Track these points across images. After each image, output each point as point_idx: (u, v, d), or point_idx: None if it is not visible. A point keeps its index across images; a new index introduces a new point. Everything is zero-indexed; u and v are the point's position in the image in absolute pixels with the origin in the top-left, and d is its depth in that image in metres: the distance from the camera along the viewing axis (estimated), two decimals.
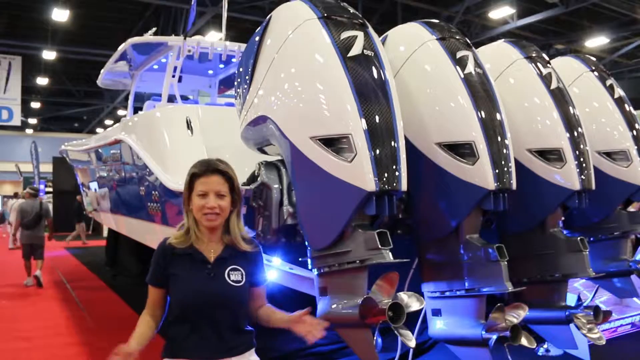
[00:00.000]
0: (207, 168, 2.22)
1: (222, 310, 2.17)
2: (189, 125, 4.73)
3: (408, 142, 2.98)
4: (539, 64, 3.69)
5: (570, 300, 3.95)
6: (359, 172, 2.66)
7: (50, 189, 23.21)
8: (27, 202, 9.85)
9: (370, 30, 3.04)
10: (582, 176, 3.44)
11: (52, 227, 10.78)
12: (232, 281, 2.20)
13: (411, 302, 2.60)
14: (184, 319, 2.17)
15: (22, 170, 25.99)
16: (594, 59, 4.45)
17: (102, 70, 7.83)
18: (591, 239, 4.01)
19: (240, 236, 2.26)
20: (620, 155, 4.00)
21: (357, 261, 2.76)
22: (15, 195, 21.33)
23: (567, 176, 3.44)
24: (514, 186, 3.10)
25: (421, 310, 3.03)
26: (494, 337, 3.01)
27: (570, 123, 3.52)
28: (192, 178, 2.23)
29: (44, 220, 9.74)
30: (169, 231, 4.88)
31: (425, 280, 3.40)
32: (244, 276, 2.23)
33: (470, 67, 3.20)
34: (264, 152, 3.61)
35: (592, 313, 3.38)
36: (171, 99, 6.04)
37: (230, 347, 2.18)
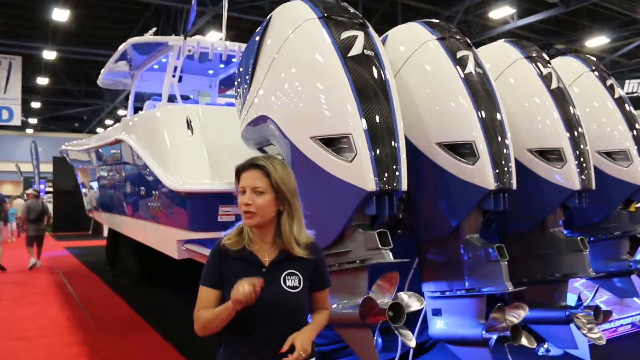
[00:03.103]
0: (248, 163, 2.11)
1: (277, 318, 2.03)
2: (189, 125, 4.72)
3: (408, 142, 2.98)
4: (539, 64, 3.69)
5: (571, 300, 3.95)
6: (359, 172, 2.66)
7: (51, 189, 23.21)
8: (32, 202, 12.11)
9: (371, 30, 3.04)
10: (582, 176, 3.44)
11: (48, 222, 12.97)
12: (288, 287, 2.06)
13: (411, 302, 2.60)
14: (236, 326, 2.03)
15: (22, 170, 25.99)
16: (594, 58, 4.46)
17: (102, 70, 7.84)
18: (591, 238, 4.01)
19: (294, 240, 2.10)
20: (620, 155, 4.00)
21: (358, 261, 2.76)
22: (20, 196, 21.70)
23: (567, 176, 3.44)
24: (514, 186, 3.10)
25: (421, 310, 3.03)
26: (494, 337, 3.01)
27: (571, 123, 3.52)
28: (236, 175, 2.12)
29: (45, 216, 12.04)
30: (169, 231, 4.90)
31: (426, 280, 3.40)
32: (301, 281, 2.09)
33: (471, 67, 3.20)
34: (264, 152, 3.61)
35: (592, 313, 3.38)
36: (171, 98, 6.04)
37: (278, 356, 1.99)
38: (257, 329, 2.02)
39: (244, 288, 1.91)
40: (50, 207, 20.95)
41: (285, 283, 2.07)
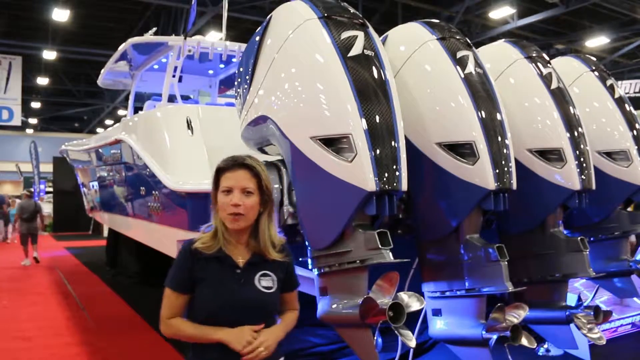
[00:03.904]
0: (234, 162, 2.07)
1: (251, 318, 2.03)
2: (189, 125, 4.73)
3: (408, 142, 2.98)
4: (539, 64, 3.69)
5: (571, 300, 3.95)
6: (359, 172, 2.66)
7: (51, 189, 23.21)
8: (25, 202, 12.68)
9: (371, 30, 3.04)
10: (583, 176, 3.44)
11: (42, 220, 14.37)
12: (263, 287, 2.07)
13: (411, 302, 2.60)
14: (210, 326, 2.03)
15: (22, 170, 26.00)
16: (594, 58, 4.45)
17: (102, 70, 7.84)
18: (591, 239, 4.01)
19: (270, 243, 2.10)
20: (620, 155, 4.00)
21: (358, 261, 2.76)
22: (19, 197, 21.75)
23: (568, 176, 3.44)
24: (514, 186, 3.10)
25: (421, 310, 3.03)
26: (494, 337, 3.01)
27: (571, 123, 3.52)
28: (218, 173, 2.08)
29: (38, 215, 12.71)
30: (169, 231, 4.90)
31: (426, 280, 3.40)
32: (275, 282, 2.11)
33: (471, 67, 3.20)
34: (264, 152, 3.61)
35: (592, 313, 3.38)
36: (171, 98, 6.05)
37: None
38: (230, 327, 2.00)
39: (246, 341, 1.94)
40: (50, 207, 21.07)
41: (260, 283, 2.07)
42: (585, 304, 3.52)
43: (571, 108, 3.60)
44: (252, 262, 2.09)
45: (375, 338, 2.80)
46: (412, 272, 3.53)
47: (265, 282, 2.09)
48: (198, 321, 2.05)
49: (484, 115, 3.08)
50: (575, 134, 3.51)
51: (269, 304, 2.11)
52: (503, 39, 4.00)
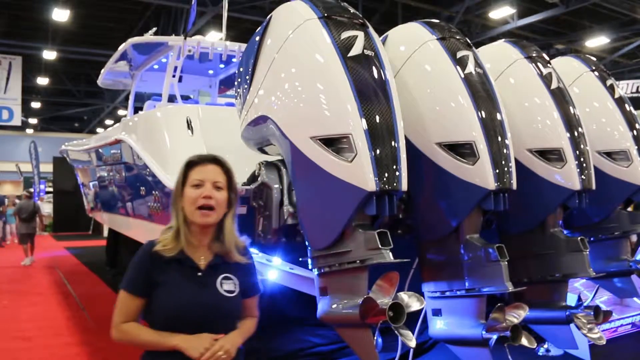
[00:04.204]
0: (205, 157, 2.05)
1: (213, 322, 1.97)
2: (189, 125, 4.72)
3: (408, 142, 2.98)
4: (539, 64, 3.69)
5: (571, 300, 3.95)
6: (359, 172, 2.66)
7: (51, 189, 23.21)
8: (24, 202, 13.04)
9: (371, 30, 3.04)
10: (583, 176, 3.44)
11: (42, 220, 14.84)
12: (225, 291, 2.01)
13: (411, 302, 2.60)
14: (167, 330, 1.94)
15: (22, 170, 25.99)
16: (594, 58, 4.45)
17: (102, 70, 7.84)
18: (591, 239, 4.01)
19: (234, 245, 2.06)
20: (620, 155, 4.00)
21: (358, 261, 2.76)
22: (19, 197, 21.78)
23: (568, 176, 3.44)
24: (514, 186, 3.10)
25: (421, 310, 3.03)
26: (494, 337, 3.01)
27: (571, 123, 3.52)
28: (187, 168, 2.03)
29: (37, 215, 12.95)
30: None
31: (426, 280, 3.40)
32: (237, 286, 2.04)
33: (471, 67, 3.20)
34: (264, 152, 3.61)
35: (592, 313, 3.38)
36: (171, 98, 6.04)
37: None
38: (193, 332, 1.92)
39: (204, 347, 1.85)
40: (50, 207, 21.07)
41: (222, 287, 2.00)
42: (585, 304, 3.52)
43: (571, 108, 3.60)
44: (213, 264, 2.03)
45: (375, 338, 2.80)
46: (412, 272, 3.53)
47: (227, 286, 2.02)
48: (155, 327, 1.96)
49: (484, 115, 3.08)
50: (575, 134, 3.51)
51: (231, 308, 2.03)
52: (503, 39, 4.00)
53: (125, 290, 2.01)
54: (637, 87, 17.21)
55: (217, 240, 2.05)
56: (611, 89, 4.15)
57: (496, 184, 3.00)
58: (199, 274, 2.00)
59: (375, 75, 2.84)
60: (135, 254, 2.04)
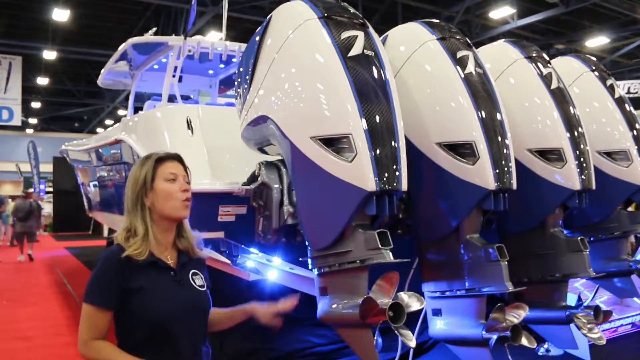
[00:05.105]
0: (171, 154, 2.04)
1: (196, 319, 1.97)
2: (189, 125, 4.72)
3: (408, 142, 2.98)
4: (539, 64, 3.69)
5: (571, 300, 3.95)
6: (359, 172, 2.66)
7: (51, 189, 23.20)
8: (21, 202, 13.38)
9: (371, 30, 3.04)
10: (583, 176, 3.44)
11: (39, 219, 14.66)
12: (199, 286, 2.01)
13: (411, 302, 2.60)
14: (154, 338, 1.88)
15: (22, 170, 25.98)
16: (594, 58, 4.45)
17: (102, 70, 7.84)
18: (591, 238, 4.01)
19: (194, 239, 2.07)
20: (620, 155, 4.00)
21: (358, 261, 2.76)
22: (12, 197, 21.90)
23: (568, 176, 3.44)
24: (514, 186, 3.10)
25: (421, 310, 3.03)
26: (494, 337, 3.01)
27: (571, 123, 3.52)
28: (157, 164, 1.98)
29: (34, 214, 13.26)
30: None
31: (426, 280, 3.40)
32: (204, 280, 2.05)
33: (471, 67, 3.20)
34: (264, 152, 3.61)
35: (592, 313, 3.38)
36: (171, 98, 6.04)
37: (203, 358, 1.99)
38: (180, 333, 1.91)
39: None
40: (50, 207, 21.07)
41: (195, 283, 2.01)
42: (585, 304, 3.52)
43: (571, 108, 3.60)
44: (181, 262, 2.01)
45: (375, 338, 2.80)
46: (412, 272, 3.53)
47: (199, 281, 2.02)
48: (132, 338, 1.89)
49: (484, 115, 3.08)
50: (575, 134, 3.51)
51: (207, 303, 2.04)
52: (503, 39, 4.00)
53: (92, 305, 1.89)
54: (629, 88, 17.20)
55: (179, 237, 2.04)
56: (611, 89, 4.15)
57: (496, 184, 3.00)
58: (172, 273, 1.97)
59: (375, 75, 2.84)
60: (99, 267, 1.92)
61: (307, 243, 3.03)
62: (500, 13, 15.41)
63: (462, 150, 3.06)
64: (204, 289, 2.04)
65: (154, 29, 7.64)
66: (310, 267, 3.05)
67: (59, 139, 20.87)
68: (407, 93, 3.18)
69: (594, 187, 3.52)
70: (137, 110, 7.21)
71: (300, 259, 3.19)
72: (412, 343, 2.59)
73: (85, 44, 18.36)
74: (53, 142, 23.92)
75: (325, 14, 2.97)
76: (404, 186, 2.74)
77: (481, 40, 15.35)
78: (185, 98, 7.38)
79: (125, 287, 1.87)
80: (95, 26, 17.73)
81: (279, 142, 3.11)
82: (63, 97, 26.51)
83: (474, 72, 3.20)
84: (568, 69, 4.22)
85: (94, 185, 8.50)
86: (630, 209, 4.29)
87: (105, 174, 7.38)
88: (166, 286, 1.94)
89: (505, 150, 3.09)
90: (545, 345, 5.04)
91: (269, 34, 3.24)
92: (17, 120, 20.69)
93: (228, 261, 3.83)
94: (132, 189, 1.97)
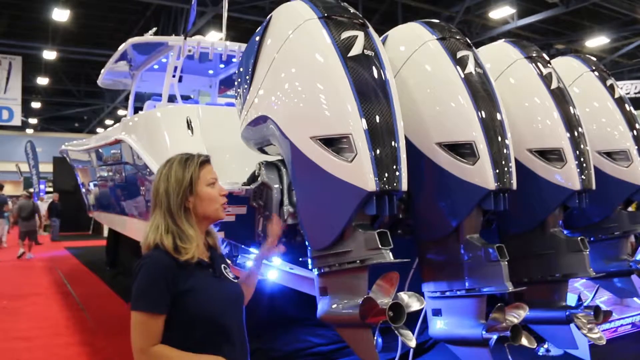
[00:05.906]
0: (208, 157, 2.08)
1: (239, 309, 2.06)
2: (189, 125, 4.72)
3: (408, 142, 2.98)
4: (539, 64, 3.69)
5: (571, 300, 3.95)
6: (359, 172, 2.66)
7: (51, 189, 23.20)
8: (24, 202, 14.02)
9: (371, 30, 3.04)
10: (583, 176, 3.44)
11: (41, 219, 15.37)
12: (233, 278, 2.11)
13: (411, 302, 2.60)
14: (212, 334, 1.91)
15: (22, 170, 25.99)
16: (594, 58, 4.45)
17: (102, 70, 7.84)
18: (591, 239, 4.01)
19: (217, 237, 2.17)
20: (620, 155, 4.00)
21: (358, 261, 2.76)
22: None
23: (568, 176, 3.44)
24: (514, 186, 3.10)
25: (421, 310, 3.03)
26: (494, 337, 3.01)
27: (571, 123, 3.52)
28: (201, 166, 2.02)
29: (36, 214, 14.05)
30: None
31: (426, 280, 3.40)
32: (232, 273, 2.15)
33: (471, 67, 3.20)
34: (264, 152, 3.61)
35: (592, 313, 3.38)
36: (171, 98, 6.04)
37: (247, 347, 2.06)
38: (232, 325, 1.97)
39: None
40: (44, 206, 21.05)
41: (229, 276, 2.09)
42: (585, 304, 3.52)
43: (571, 108, 3.60)
44: (213, 257, 2.07)
45: (375, 338, 2.80)
46: (412, 272, 3.53)
47: (231, 274, 2.10)
48: (197, 337, 1.89)
49: (484, 115, 3.08)
50: (575, 134, 3.51)
51: (242, 293, 2.13)
52: (503, 39, 4.00)
53: (145, 311, 1.84)
54: (626, 88, 17.20)
55: (207, 236, 2.12)
56: (611, 89, 4.15)
57: (496, 184, 3.00)
58: (210, 270, 2.03)
59: (375, 75, 2.84)
60: (147, 272, 1.89)
61: (307, 243, 3.03)
62: (500, 13, 15.42)
63: (462, 150, 3.06)
64: (237, 280, 2.14)
65: (154, 29, 7.64)
66: (310, 267, 3.05)
67: (58, 139, 20.88)
68: (407, 93, 3.18)
69: (594, 187, 3.52)
70: (137, 110, 7.22)
71: (301, 259, 3.19)
72: (412, 343, 2.59)
73: (85, 44, 18.38)
74: (53, 142, 23.95)
75: (325, 14, 2.98)
76: (404, 186, 2.74)
77: (481, 40, 15.37)
78: (185, 98, 7.38)
79: (177, 290, 1.87)
80: (95, 26, 17.75)
81: (279, 142, 3.11)
82: (63, 97, 26.54)
83: (474, 72, 3.20)
84: (568, 69, 4.22)
85: (94, 186, 8.50)
86: (630, 209, 4.29)
87: (106, 174, 7.39)
88: (211, 283, 1.99)
89: (505, 150, 3.09)
90: (545, 345, 5.04)
91: (269, 34, 3.24)
92: (17, 120, 20.71)
93: (228, 261, 3.82)
94: (176, 191, 1.96)
